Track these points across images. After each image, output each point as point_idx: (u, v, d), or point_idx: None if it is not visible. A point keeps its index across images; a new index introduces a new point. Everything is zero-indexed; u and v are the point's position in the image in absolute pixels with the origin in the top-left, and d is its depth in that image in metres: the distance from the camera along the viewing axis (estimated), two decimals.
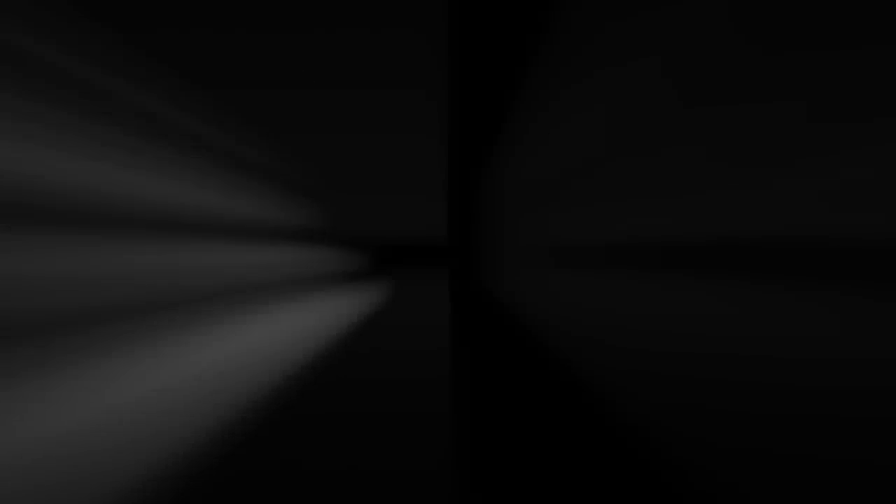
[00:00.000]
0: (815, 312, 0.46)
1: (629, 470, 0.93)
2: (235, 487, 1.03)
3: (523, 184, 2.69)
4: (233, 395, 1.65)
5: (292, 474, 1.11)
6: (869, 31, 0.37)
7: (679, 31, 0.76)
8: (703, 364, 0.74)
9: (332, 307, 4.12)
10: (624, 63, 1.10)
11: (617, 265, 1.27)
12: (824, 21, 0.42)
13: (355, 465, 1.17)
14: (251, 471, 1.11)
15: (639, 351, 1.06)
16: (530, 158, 2.55)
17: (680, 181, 0.81)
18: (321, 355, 2.32)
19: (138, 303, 2.74)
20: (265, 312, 3.44)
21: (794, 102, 0.48)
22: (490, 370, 1.97)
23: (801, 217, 0.47)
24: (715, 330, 0.70)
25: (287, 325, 3.06)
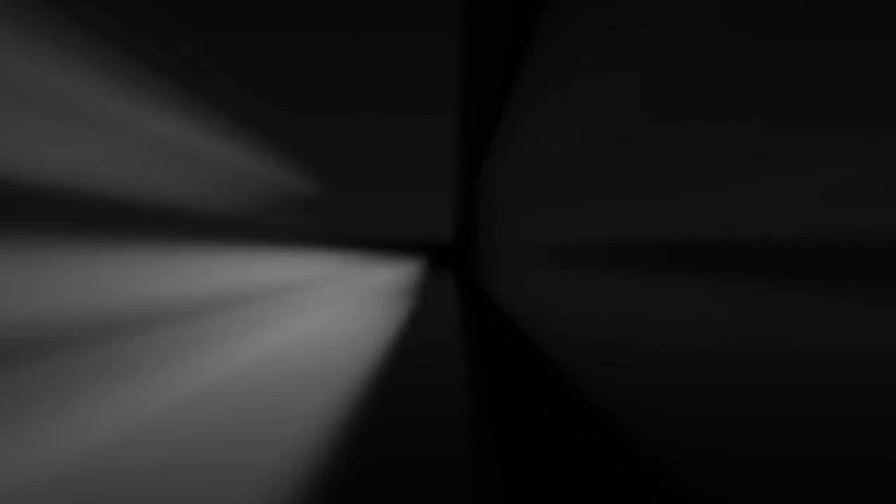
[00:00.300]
0: (812, 311, 0.47)
1: (619, 463, 0.93)
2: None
3: (507, 189, 2.72)
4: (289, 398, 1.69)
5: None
6: (868, 31, 0.37)
7: (666, 38, 0.76)
8: (692, 362, 0.74)
9: (373, 307, 4.35)
10: (606, 70, 1.10)
11: (593, 264, 1.27)
12: (823, 20, 0.42)
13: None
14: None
15: (618, 344, 1.06)
16: (515, 165, 2.56)
17: (667, 182, 0.81)
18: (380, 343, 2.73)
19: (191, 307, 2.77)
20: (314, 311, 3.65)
21: (786, 105, 0.48)
22: (491, 365, 1.97)
23: (798, 217, 0.48)
24: (704, 327, 0.70)
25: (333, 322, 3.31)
